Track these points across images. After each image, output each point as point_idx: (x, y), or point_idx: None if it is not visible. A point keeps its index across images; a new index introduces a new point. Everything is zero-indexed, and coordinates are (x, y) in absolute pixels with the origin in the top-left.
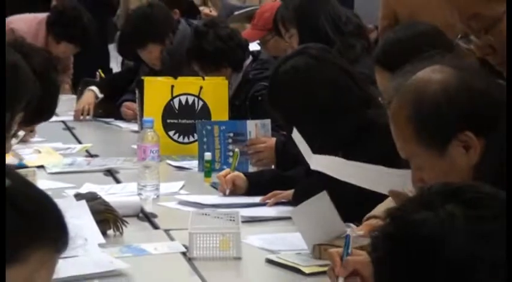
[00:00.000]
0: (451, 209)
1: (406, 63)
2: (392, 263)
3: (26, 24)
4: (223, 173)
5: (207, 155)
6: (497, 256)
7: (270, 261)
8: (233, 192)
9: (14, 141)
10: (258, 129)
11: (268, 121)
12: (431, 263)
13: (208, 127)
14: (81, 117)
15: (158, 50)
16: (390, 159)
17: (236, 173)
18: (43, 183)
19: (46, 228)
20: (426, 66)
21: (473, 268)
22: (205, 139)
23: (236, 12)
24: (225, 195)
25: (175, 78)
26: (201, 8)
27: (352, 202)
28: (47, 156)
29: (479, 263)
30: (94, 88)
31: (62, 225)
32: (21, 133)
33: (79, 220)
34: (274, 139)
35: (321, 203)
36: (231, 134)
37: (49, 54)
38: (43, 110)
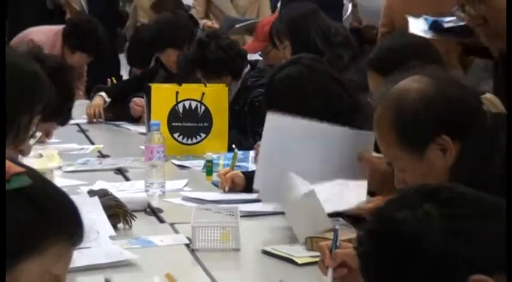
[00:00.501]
0: (428, 208)
1: (397, 69)
2: (376, 258)
3: (44, 35)
4: (223, 171)
5: (208, 155)
6: (473, 252)
7: (265, 252)
8: (232, 189)
9: (32, 141)
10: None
11: None
12: (411, 258)
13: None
14: (94, 120)
15: (175, 54)
16: None
17: (235, 171)
18: (59, 180)
19: (63, 223)
20: (407, 76)
21: (450, 263)
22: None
23: (236, 25)
24: (224, 192)
25: (180, 85)
26: (203, 21)
27: None
28: (45, 161)
29: (456, 258)
30: (103, 93)
31: (78, 220)
32: (38, 134)
33: (92, 215)
34: None
35: (310, 199)
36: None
37: (63, 61)
38: (60, 111)
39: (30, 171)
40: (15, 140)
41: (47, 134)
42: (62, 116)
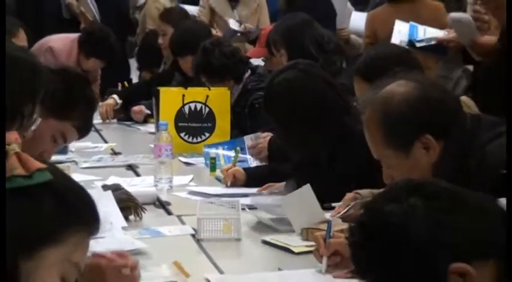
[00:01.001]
0: (413, 201)
1: (382, 75)
2: (366, 247)
3: (61, 42)
4: (225, 167)
5: (212, 153)
6: (454, 242)
7: (265, 242)
8: (234, 184)
9: (32, 127)
10: (253, 140)
11: (259, 133)
12: (398, 248)
13: (213, 150)
14: (107, 121)
15: (191, 59)
16: (366, 158)
17: (236, 167)
18: (76, 176)
19: (82, 215)
20: (393, 81)
21: (433, 252)
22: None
23: (239, 34)
24: (227, 186)
25: (186, 88)
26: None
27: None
28: None
29: (438, 247)
30: (115, 96)
31: (95, 213)
32: (38, 120)
33: (106, 207)
34: (267, 138)
35: (305, 194)
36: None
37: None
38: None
39: (52, 167)
40: (19, 128)
41: (64, 139)
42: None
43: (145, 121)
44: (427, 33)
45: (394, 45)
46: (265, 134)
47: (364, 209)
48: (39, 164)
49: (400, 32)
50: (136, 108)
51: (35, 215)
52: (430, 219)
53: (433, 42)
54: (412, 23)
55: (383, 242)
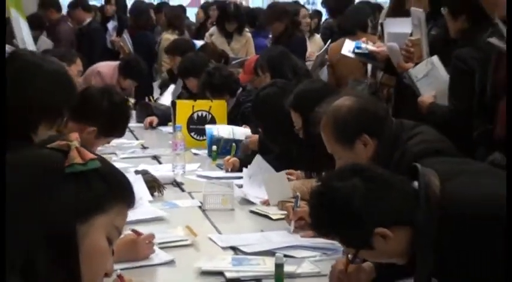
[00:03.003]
0: (354, 181)
1: (308, 105)
2: (320, 213)
3: (107, 68)
4: (226, 158)
5: (214, 148)
6: (381, 213)
7: (252, 211)
8: (231, 170)
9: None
10: (245, 141)
11: (249, 135)
12: (341, 214)
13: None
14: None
15: (196, 81)
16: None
17: (233, 158)
18: (116, 164)
19: (121, 192)
20: (340, 97)
21: (364, 220)
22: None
23: (233, 62)
24: (226, 172)
25: (195, 100)
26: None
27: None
28: None
29: (368, 216)
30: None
31: (131, 190)
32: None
33: (137, 187)
34: (257, 136)
35: (280, 177)
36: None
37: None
38: (117, 127)
39: (100, 158)
40: (59, 124)
41: (108, 142)
42: (123, 130)
43: (165, 124)
44: (367, 46)
45: (317, 80)
46: (253, 136)
47: (320, 183)
48: (91, 155)
49: (348, 46)
50: (149, 119)
51: (88, 191)
52: (365, 195)
53: (367, 52)
54: (357, 41)
55: (330, 209)
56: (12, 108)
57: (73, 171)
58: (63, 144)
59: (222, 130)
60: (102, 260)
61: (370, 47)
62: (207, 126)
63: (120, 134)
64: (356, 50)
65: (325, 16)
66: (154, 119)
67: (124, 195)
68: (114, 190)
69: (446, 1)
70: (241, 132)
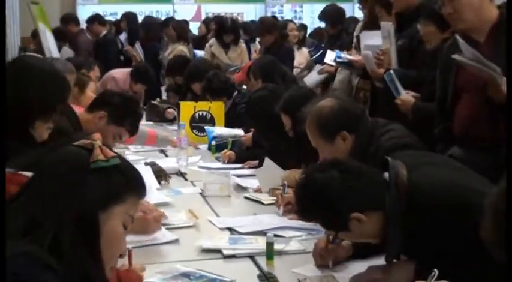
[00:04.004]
0: (333, 173)
1: (296, 108)
2: (302, 200)
3: (120, 74)
4: (223, 152)
5: (213, 143)
6: (356, 199)
7: (246, 198)
8: (228, 162)
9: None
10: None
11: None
12: (321, 201)
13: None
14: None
15: (199, 85)
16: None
17: (230, 152)
18: (128, 157)
19: (136, 185)
20: (323, 99)
21: (339, 205)
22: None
23: (230, 69)
24: (223, 163)
25: (197, 102)
26: None
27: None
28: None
29: (345, 202)
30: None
31: (143, 184)
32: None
33: (146, 176)
34: (250, 134)
35: (270, 167)
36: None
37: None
38: (127, 117)
39: (118, 155)
40: (54, 120)
41: (120, 137)
42: (134, 126)
43: (172, 122)
44: (346, 55)
45: (303, 87)
46: (246, 135)
47: (304, 174)
48: (112, 153)
49: (330, 56)
50: (171, 110)
51: (109, 184)
52: (341, 185)
53: (347, 60)
54: (337, 51)
55: (311, 197)
56: (10, 107)
57: (96, 167)
58: (87, 143)
59: (219, 130)
60: (118, 243)
61: (349, 56)
62: (207, 127)
63: (130, 128)
64: (337, 59)
65: (309, 29)
66: (173, 111)
67: (138, 188)
68: (131, 184)
69: (433, 18)
70: (235, 132)
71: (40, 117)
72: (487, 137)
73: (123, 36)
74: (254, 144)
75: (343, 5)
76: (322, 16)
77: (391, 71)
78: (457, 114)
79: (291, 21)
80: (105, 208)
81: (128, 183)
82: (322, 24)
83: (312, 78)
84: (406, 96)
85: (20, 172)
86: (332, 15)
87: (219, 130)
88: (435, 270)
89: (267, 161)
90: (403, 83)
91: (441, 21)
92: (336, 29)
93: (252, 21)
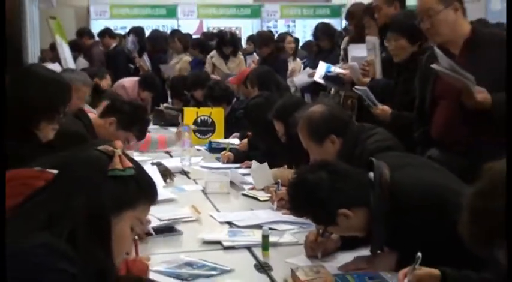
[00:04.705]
0: (321, 173)
1: (288, 115)
2: (293, 198)
3: (130, 82)
4: (222, 153)
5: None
6: (342, 197)
7: (243, 194)
8: (227, 162)
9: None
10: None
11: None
12: (310, 199)
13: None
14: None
15: (201, 92)
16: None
17: (229, 153)
18: (136, 158)
19: (150, 193)
20: (314, 105)
21: (329, 203)
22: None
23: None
24: (223, 163)
25: (199, 108)
26: (212, 76)
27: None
28: None
29: (333, 200)
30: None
31: (156, 191)
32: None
33: (153, 175)
34: (245, 141)
35: (264, 167)
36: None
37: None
38: (134, 123)
39: (136, 164)
40: (58, 121)
41: (128, 142)
42: (142, 132)
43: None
44: (336, 69)
45: (294, 96)
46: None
47: (295, 174)
48: (129, 164)
49: (321, 70)
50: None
51: (123, 192)
52: (329, 185)
53: (335, 74)
54: (328, 65)
55: (301, 195)
56: (16, 110)
57: (113, 175)
58: (110, 150)
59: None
60: (125, 243)
61: (338, 69)
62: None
63: (138, 133)
64: (327, 74)
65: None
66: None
67: (151, 196)
68: (143, 193)
69: (405, 32)
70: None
71: (43, 119)
72: (462, 140)
73: (129, 43)
74: (250, 147)
75: (331, 20)
76: (316, 32)
77: (365, 87)
78: (434, 120)
79: (289, 34)
80: (118, 213)
81: (141, 192)
82: (311, 37)
83: (301, 80)
84: (384, 106)
85: (48, 170)
86: (326, 31)
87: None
88: (419, 254)
89: (259, 164)
90: (386, 92)
91: (412, 35)
92: (332, 43)
93: (252, 35)
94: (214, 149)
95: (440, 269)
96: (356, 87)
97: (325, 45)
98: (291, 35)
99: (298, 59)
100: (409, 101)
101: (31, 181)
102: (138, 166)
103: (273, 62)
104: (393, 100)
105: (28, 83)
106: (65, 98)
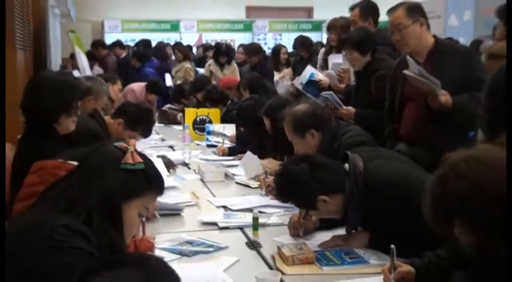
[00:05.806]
0: (303, 165)
1: (277, 112)
2: (279, 185)
3: (138, 87)
4: (218, 146)
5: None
6: (321, 185)
7: (236, 182)
8: (222, 155)
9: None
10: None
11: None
12: (293, 187)
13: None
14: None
15: (202, 94)
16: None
17: (223, 146)
18: (143, 151)
19: (157, 185)
20: (298, 104)
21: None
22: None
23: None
24: (219, 156)
25: (198, 108)
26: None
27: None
28: None
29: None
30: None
31: (163, 183)
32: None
33: (158, 166)
34: (234, 134)
35: (254, 158)
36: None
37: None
38: (140, 124)
39: (146, 159)
40: (74, 115)
41: (134, 137)
42: (146, 131)
43: (179, 123)
44: (318, 75)
45: (281, 97)
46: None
47: (281, 166)
48: (139, 159)
49: (306, 74)
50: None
51: (132, 183)
52: (310, 175)
53: (317, 80)
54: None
55: (286, 184)
56: (35, 109)
57: (125, 168)
58: (124, 146)
59: (216, 127)
60: (133, 228)
61: (320, 76)
62: (207, 125)
63: (144, 132)
64: (310, 78)
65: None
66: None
67: (157, 187)
68: (151, 184)
69: (355, 46)
70: (229, 128)
71: (62, 114)
72: (427, 137)
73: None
74: (238, 140)
75: (313, 34)
76: (295, 44)
77: (331, 92)
78: (403, 119)
79: (283, 46)
80: (127, 201)
81: (148, 184)
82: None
83: (285, 85)
84: (348, 107)
85: (69, 162)
86: (303, 43)
87: (214, 126)
88: (392, 246)
89: (249, 154)
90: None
91: (362, 48)
92: (309, 52)
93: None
94: (211, 145)
95: (413, 265)
96: (323, 92)
97: (304, 54)
98: (285, 47)
99: (290, 68)
100: (368, 101)
101: (55, 171)
102: (148, 161)
103: (261, 69)
104: (355, 101)
105: (41, 86)
106: (75, 94)
